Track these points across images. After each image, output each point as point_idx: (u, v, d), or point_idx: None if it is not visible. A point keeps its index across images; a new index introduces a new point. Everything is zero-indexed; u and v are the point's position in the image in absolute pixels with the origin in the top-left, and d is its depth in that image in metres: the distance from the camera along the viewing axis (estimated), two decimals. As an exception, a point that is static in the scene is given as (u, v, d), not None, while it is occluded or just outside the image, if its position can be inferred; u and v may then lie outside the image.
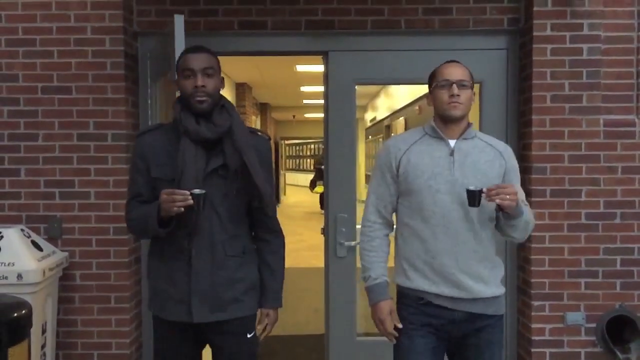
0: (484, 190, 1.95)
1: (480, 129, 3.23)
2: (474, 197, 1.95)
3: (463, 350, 2.16)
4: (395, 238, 2.24)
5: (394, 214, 2.25)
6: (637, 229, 3.13)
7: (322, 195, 12.47)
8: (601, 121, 3.12)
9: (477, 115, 3.33)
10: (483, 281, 2.09)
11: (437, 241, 2.07)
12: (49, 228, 3.12)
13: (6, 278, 2.67)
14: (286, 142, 25.36)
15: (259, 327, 2.21)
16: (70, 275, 3.13)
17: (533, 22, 3.11)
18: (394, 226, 2.27)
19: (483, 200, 1.98)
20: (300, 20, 3.26)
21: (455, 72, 2.09)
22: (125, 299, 3.15)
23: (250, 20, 3.26)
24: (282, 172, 20.08)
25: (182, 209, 1.90)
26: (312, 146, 25.13)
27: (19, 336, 2.17)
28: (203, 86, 1.99)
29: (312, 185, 15.56)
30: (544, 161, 3.12)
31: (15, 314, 2.16)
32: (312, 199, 17.34)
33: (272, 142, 2.32)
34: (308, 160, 25.28)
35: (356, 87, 3.35)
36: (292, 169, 26.96)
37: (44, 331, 2.84)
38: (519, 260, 3.31)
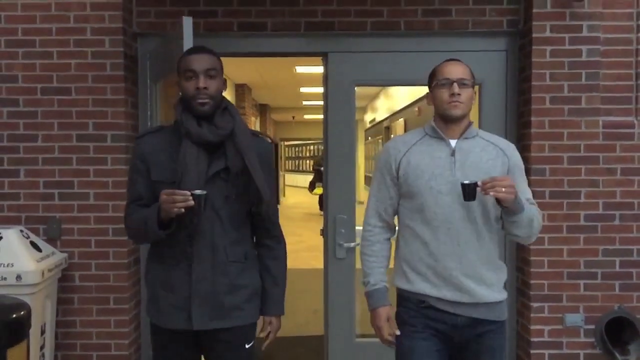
0: (479, 183, 1.90)
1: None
2: (469, 191, 1.90)
3: (464, 356, 2.11)
4: (397, 240, 2.20)
5: (396, 217, 2.21)
6: (636, 230, 3.13)
7: (321, 197, 12.47)
8: (600, 123, 3.13)
9: (477, 117, 3.33)
10: (486, 285, 2.05)
11: (440, 243, 2.03)
12: (48, 229, 3.12)
13: (5, 279, 2.67)
14: (285, 143, 25.36)
15: (262, 335, 2.16)
16: (70, 276, 3.13)
17: (532, 24, 3.11)
18: (396, 229, 2.23)
19: (485, 199, 1.95)
20: (299, 21, 3.26)
21: (455, 71, 2.04)
22: (124, 300, 3.15)
23: (249, 22, 3.26)
24: (281, 173, 20.08)
25: (183, 209, 1.85)
26: (312, 147, 25.12)
27: (17, 337, 2.17)
28: (205, 88, 1.94)
29: (311, 186, 15.56)
30: (543, 162, 3.13)
31: (14, 315, 2.16)
32: (311, 200, 17.33)
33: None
34: (307, 161, 25.27)
35: (355, 88, 3.36)
36: (292, 170, 26.95)
37: (42, 332, 2.84)
38: (518, 261, 3.31)
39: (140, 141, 2.07)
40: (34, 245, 2.87)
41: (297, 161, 27.09)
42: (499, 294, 2.08)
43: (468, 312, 2.05)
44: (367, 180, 12.30)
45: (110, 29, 3.10)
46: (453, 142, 2.08)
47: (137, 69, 3.31)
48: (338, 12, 3.26)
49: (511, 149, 2.13)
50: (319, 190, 14.25)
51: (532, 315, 3.15)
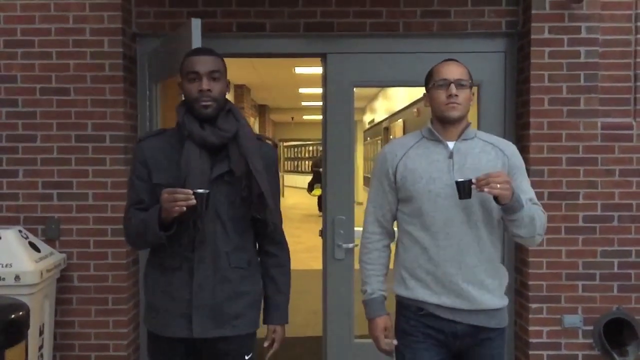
0: (474, 180, 1.84)
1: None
2: (463, 189, 1.85)
3: None
4: (396, 246, 2.15)
5: (395, 222, 2.17)
6: (634, 231, 3.14)
7: (320, 198, 12.47)
8: (599, 124, 3.13)
9: (475, 118, 3.34)
10: (487, 290, 1.99)
11: (439, 248, 1.98)
12: (47, 229, 3.12)
13: (4, 279, 2.67)
14: (285, 144, 25.35)
15: (266, 344, 2.11)
16: (68, 276, 3.13)
17: (531, 25, 3.12)
18: (396, 235, 2.18)
19: (487, 202, 1.93)
20: (299, 22, 3.26)
21: (453, 71, 1.99)
22: (123, 301, 3.15)
23: (249, 22, 3.26)
24: (280, 173, 20.05)
25: (184, 208, 1.78)
26: (311, 148, 25.13)
27: (16, 338, 2.17)
28: (209, 90, 1.90)
29: (310, 187, 15.55)
30: (542, 164, 3.13)
31: (13, 316, 2.16)
32: (310, 201, 17.33)
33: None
34: (306, 162, 25.27)
35: (354, 89, 3.36)
36: (291, 171, 26.95)
37: (41, 333, 2.84)
38: (517, 262, 3.31)
39: (141, 144, 2.02)
40: (32, 245, 2.87)
41: (296, 162, 27.08)
42: (499, 301, 2.03)
43: (467, 320, 2.00)
44: (366, 181, 12.32)
45: (110, 29, 3.10)
46: (451, 144, 2.03)
47: (136, 70, 3.31)
48: (337, 13, 3.26)
49: (511, 149, 2.08)
50: (317, 191, 14.24)
51: (530, 316, 3.15)
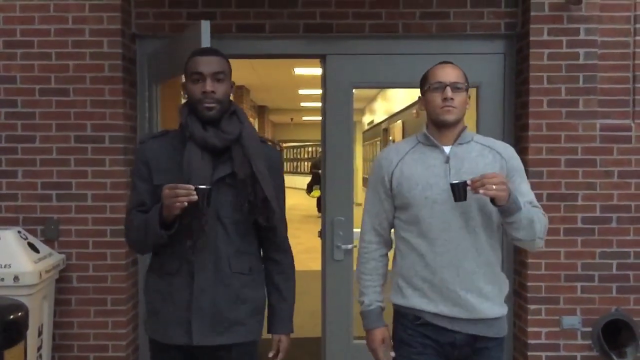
0: (469, 182, 1.80)
1: (477, 133, 3.22)
2: (458, 191, 1.80)
3: None
4: (393, 254, 2.12)
5: (392, 230, 2.13)
6: (633, 233, 3.14)
7: (319, 199, 12.48)
8: (597, 126, 3.14)
9: (474, 119, 3.34)
10: (486, 298, 1.95)
11: (437, 255, 1.93)
12: (46, 230, 3.12)
13: (2, 280, 2.67)
14: (284, 144, 25.35)
15: (270, 355, 2.05)
16: (67, 277, 3.13)
17: (530, 27, 3.12)
18: (393, 243, 2.16)
19: (485, 207, 1.90)
20: (298, 23, 3.26)
21: (449, 74, 1.95)
22: (121, 301, 3.14)
23: (248, 23, 3.27)
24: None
25: (186, 204, 1.74)
26: (310, 149, 25.14)
27: (15, 338, 2.17)
28: (212, 92, 1.86)
29: (309, 189, 15.55)
30: (541, 165, 3.13)
31: (12, 316, 2.16)
32: (309, 202, 17.33)
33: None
34: (305, 163, 25.27)
35: (354, 90, 3.36)
36: (290, 172, 26.95)
37: (40, 333, 2.84)
38: (515, 263, 3.31)
39: (143, 146, 1.98)
40: (31, 246, 2.87)
41: (295, 163, 27.09)
42: (499, 309, 1.98)
43: (466, 329, 1.95)
44: (365, 182, 12.31)
45: (109, 30, 3.10)
46: (447, 149, 1.99)
47: (135, 71, 3.31)
48: (336, 14, 3.26)
49: (509, 152, 2.04)
50: (316, 193, 14.24)
51: (529, 317, 3.15)
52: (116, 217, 3.11)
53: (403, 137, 7.78)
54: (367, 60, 3.32)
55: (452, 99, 1.93)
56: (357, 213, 2.81)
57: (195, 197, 1.74)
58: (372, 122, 12.07)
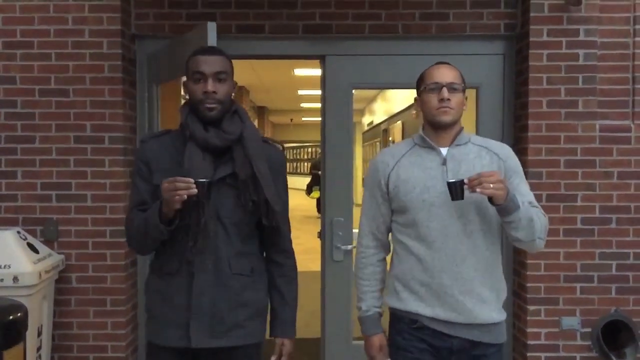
0: (466, 180, 1.77)
1: (477, 134, 3.23)
2: (455, 190, 1.77)
3: None
4: (391, 257, 2.09)
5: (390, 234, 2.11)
6: (632, 234, 3.14)
7: (319, 200, 12.48)
8: (597, 126, 3.14)
9: (474, 120, 3.34)
10: (484, 303, 1.91)
11: (434, 259, 1.90)
12: (45, 230, 3.11)
13: (2, 280, 2.67)
14: (283, 145, 25.33)
15: (273, 358, 2.01)
16: (66, 277, 3.13)
17: (530, 28, 3.12)
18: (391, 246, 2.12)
19: (484, 209, 1.88)
20: (297, 24, 3.26)
21: (445, 74, 1.92)
22: (121, 302, 3.14)
23: (248, 24, 3.27)
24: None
25: (185, 197, 1.71)
26: (310, 149, 25.14)
27: (14, 339, 2.17)
28: (214, 92, 1.83)
29: (309, 189, 15.55)
30: (540, 166, 3.13)
31: (11, 317, 2.16)
32: (308, 203, 17.33)
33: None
34: (305, 163, 25.28)
35: (353, 91, 3.36)
36: (290, 172, 26.97)
37: (39, 334, 2.83)
38: (515, 264, 3.31)
39: (143, 145, 1.96)
40: (31, 246, 2.87)
41: (294, 163, 27.09)
42: (497, 314, 1.95)
43: (463, 334, 1.92)
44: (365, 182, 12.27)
45: (109, 31, 3.10)
46: (444, 151, 1.96)
47: (135, 71, 3.31)
48: (336, 15, 3.26)
49: (506, 152, 2.00)
50: (315, 194, 14.24)
51: (528, 318, 3.15)
52: (116, 218, 3.11)
53: (403, 137, 7.78)
54: (366, 61, 3.32)
55: (448, 99, 1.90)
56: (357, 214, 2.81)
57: (195, 190, 1.72)
58: (371, 122, 12.07)
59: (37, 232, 3.12)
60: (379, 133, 10.65)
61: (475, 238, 1.91)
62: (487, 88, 3.32)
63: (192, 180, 1.72)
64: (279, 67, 8.30)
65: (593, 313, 3.15)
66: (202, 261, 1.88)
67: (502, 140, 3.29)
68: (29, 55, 3.10)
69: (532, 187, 3.09)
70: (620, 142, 3.14)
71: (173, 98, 3.35)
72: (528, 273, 3.14)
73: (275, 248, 2.05)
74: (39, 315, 2.83)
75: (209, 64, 1.85)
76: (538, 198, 3.09)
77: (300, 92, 11.53)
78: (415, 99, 2.06)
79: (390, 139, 9.24)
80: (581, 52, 3.12)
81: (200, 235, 1.85)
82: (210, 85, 1.83)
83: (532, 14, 3.12)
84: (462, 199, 1.80)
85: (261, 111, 14.86)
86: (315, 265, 4.33)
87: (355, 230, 3.27)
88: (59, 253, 3.09)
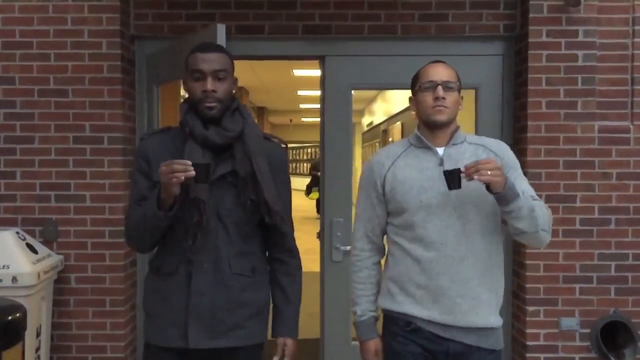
0: (462, 169, 1.73)
1: (476, 135, 3.23)
2: (452, 178, 1.73)
3: None
4: (386, 259, 2.06)
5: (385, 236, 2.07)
6: (631, 234, 3.14)
7: (318, 201, 12.50)
8: (596, 127, 3.14)
9: (473, 121, 3.35)
10: (482, 307, 1.87)
11: (433, 261, 1.87)
12: (44, 231, 3.11)
13: (1, 281, 2.66)
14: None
15: (276, 359, 1.98)
16: (65, 278, 3.13)
17: (529, 29, 3.12)
18: (386, 249, 2.09)
19: (484, 209, 1.86)
20: (297, 25, 3.27)
21: (440, 73, 1.89)
22: (120, 302, 3.14)
23: (247, 25, 3.27)
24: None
25: (182, 178, 1.66)
26: (309, 150, 25.14)
27: (13, 339, 2.17)
28: (213, 91, 1.80)
29: (308, 190, 15.55)
30: (539, 167, 3.14)
31: (10, 317, 2.16)
32: (308, 203, 17.34)
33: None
34: (305, 164, 25.29)
35: (353, 91, 3.36)
36: (289, 173, 26.99)
37: (38, 334, 2.83)
38: (514, 265, 3.31)
39: (144, 142, 1.94)
40: (30, 247, 2.87)
41: (294, 164, 27.10)
42: (494, 319, 1.90)
43: (460, 337, 1.88)
44: (364, 183, 12.23)
45: (108, 31, 3.10)
46: (440, 150, 1.93)
47: (134, 72, 3.31)
48: (335, 16, 3.27)
49: (502, 149, 1.97)
50: (314, 195, 14.25)
51: (527, 319, 3.15)
52: (115, 218, 3.11)
53: (402, 138, 7.77)
54: (366, 62, 3.32)
55: (443, 98, 1.87)
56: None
57: (193, 173, 1.67)
58: (371, 123, 12.07)
59: (36, 233, 3.12)
60: (379, 134, 10.65)
61: (474, 238, 1.88)
62: (486, 89, 3.33)
63: (189, 162, 1.67)
64: (279, 67, 8.30)
65: (592, 314, 3.15)
66: (201, 261, 1.85)
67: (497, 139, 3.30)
68: (28, 55, 3.10)
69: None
70: (619, 143, 3.14)
71: (173, 98, 3.35)
72: (527, 274, 3.14)
73: (279, 247, 2.02)
74: (38, 316, 2.83)
75: (208, 62, 1.82)
76: (537, 199, 3.10)
77: (300, 92, 11.53)
78: (410, 99, 2.03)
79: (389, 139, 9.24)
80: (580, 53, 3.13)
81: (200, 233, 1.82)
82: (210, 84, 1.81)
83: (531, 15, 3.12)
84: (460, 187, 1.75)
85: (261, 112, 14.86)
86: (315, 266, 4.34)
87: (355, 231, 3.27)
88: (58, 253, 3.09)
